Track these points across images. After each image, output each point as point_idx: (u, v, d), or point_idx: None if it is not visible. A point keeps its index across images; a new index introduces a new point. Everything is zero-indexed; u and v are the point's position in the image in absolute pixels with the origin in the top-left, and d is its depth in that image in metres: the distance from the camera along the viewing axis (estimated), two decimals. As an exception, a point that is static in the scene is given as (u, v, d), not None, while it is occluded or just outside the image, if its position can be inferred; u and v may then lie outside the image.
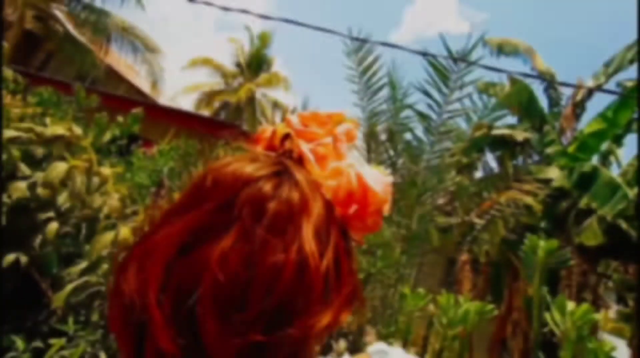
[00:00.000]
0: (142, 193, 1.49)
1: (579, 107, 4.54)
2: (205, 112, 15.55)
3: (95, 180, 1.08)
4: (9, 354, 0.92)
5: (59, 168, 0.90)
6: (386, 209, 0.36)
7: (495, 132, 5.08)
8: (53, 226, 0.92)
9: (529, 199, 2.80)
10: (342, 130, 0.37)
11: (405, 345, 1.59)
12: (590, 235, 4.06)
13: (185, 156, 1.52)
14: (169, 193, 1.39)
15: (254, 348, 0.25)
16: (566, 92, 4.80)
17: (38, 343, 0.98)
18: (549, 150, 4.60)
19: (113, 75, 10.86)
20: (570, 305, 1.48)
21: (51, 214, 0.99)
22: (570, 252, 3.73)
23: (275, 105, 15.21)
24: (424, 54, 2.37)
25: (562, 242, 4.28)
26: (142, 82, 11.99)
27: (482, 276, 5.12)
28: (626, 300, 5.05)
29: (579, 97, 4.47)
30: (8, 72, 1.94)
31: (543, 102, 4.85)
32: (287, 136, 0.36)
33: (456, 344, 1.44)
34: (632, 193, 3.21)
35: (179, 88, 15.17)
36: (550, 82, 4.65)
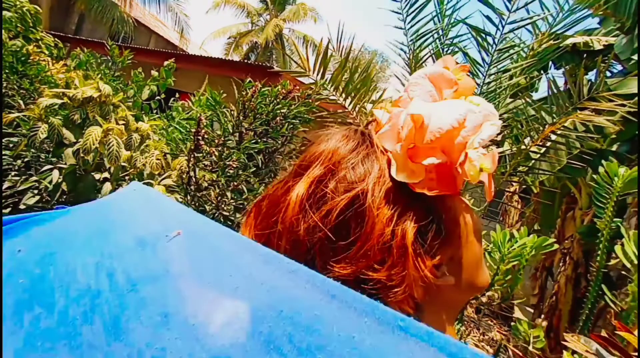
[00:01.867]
0: (180, 148, 1.54)
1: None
2: (235, 57, 15.24)
3: (136, 137, 1.10)
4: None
5: (94, 134, 0.92)
6: (472, 142, 0.29)
7: (566, 42, 4.28)
8: (106, 187, 0.99)
9: (602, 120, 2.41)
10: (415, 77, 0.35)
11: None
12: (679, 156, 3.49)
13: (214, 104, 1.50)
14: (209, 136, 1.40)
15: None
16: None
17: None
18: (639, 56, 3.79)
19: (142, 29, 10.84)
20: (650, 238, 1.31)
21: (106, 175, 1.06)
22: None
23: (305, 40, 14.31)
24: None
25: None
26: (170, 33, 11.85)
27: (532, 206, 4.87)
28: None
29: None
30: (48, 38, 1.97)
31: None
32: None
33: (508, 277, 1.41)
34: None
35: (207, 34, 14.80)
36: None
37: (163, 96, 1.88)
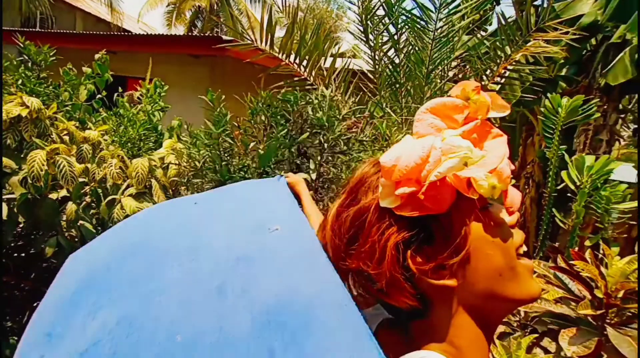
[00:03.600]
0: (133, 150, 1.44)
1: None
2: (180, 28, 13.90)
3: (87, 148, 1.04)
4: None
5: (38, 159, 0.85)
6: (431, 174, 0.36)
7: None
8: (71, 208, 0.94)
9: (553, 49, 2.48)
10: (418, 114, 0.41)
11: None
12: (620, 71, 3.72)
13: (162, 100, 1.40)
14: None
15: None
16: None
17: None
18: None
19: (61, 6, 9.44)
20: (589, 160, 1.45)
21: (64, 193, 1.01)
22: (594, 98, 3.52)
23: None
24: None
25: (584, 88, 3.99)
26: (98, 8, 10.46)
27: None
28: (641, 129, 5.03)
29: None
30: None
31: None
32: None
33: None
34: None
35: (143, 2, 13.21)
36: None
37: (104, 93, 1.72)
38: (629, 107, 5.51)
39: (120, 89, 1.81)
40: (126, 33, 7.20)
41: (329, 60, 2.42)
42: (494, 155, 0.37)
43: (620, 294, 0.80)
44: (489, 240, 0.39)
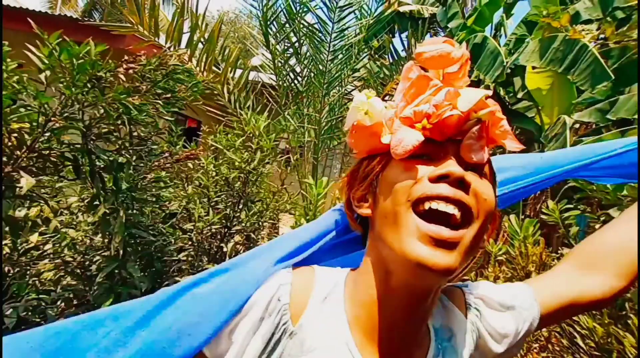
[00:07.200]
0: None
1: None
2: (70, 13, 11.87)
3: None
4: None
5: None
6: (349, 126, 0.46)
7: (404, 8, 4.90)
8: None
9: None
10: (405, 69, 0.46)
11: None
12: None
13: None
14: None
15: None
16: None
17: None
18: (452, 24, 4.67)
19: None
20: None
21: None
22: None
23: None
24: None
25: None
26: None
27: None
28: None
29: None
30: None
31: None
32: None
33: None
34: (508, 59, 3.56)
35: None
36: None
37: None
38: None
39: None
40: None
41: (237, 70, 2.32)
42: (410, 106, 0.42)
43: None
44: (387, 181, 0.42)
